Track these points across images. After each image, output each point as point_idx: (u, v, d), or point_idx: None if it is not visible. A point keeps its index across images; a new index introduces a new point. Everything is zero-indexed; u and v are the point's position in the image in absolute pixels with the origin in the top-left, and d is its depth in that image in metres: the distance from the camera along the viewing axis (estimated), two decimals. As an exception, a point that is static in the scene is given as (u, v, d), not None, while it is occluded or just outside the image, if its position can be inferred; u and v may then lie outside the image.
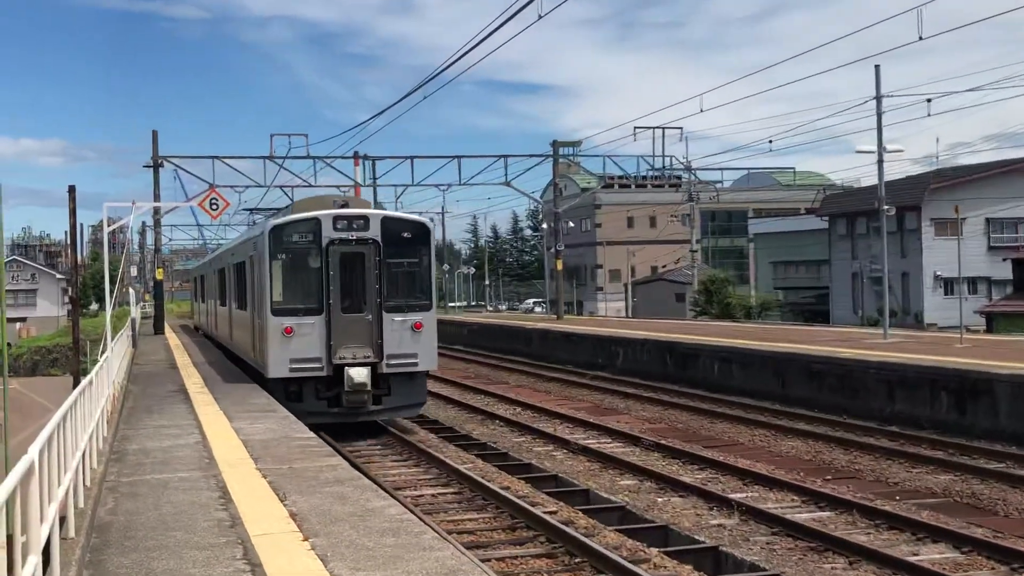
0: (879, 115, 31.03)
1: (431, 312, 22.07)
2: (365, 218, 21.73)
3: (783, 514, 13.88)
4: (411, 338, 21.57)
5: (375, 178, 57.80)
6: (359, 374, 20.94)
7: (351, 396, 21.06)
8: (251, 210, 42.58)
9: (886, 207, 31.35)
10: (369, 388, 21.09)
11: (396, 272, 21.92)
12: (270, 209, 35.58)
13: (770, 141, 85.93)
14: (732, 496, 14.97)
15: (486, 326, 52.04)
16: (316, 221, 21.47)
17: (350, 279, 21.49)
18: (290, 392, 21.18)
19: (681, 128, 49.16)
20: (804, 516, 14.04)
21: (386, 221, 22.00)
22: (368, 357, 21.25)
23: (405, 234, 21.93)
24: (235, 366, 27.08)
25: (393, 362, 21.42)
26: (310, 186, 47.75)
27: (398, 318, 21.49)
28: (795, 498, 15.23)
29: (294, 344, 21.12)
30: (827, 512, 14.36)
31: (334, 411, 21.30)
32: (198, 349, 35.23)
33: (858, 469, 17.56)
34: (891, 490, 15.87)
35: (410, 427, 22.83)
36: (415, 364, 21.67)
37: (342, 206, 22.24)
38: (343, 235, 21.45)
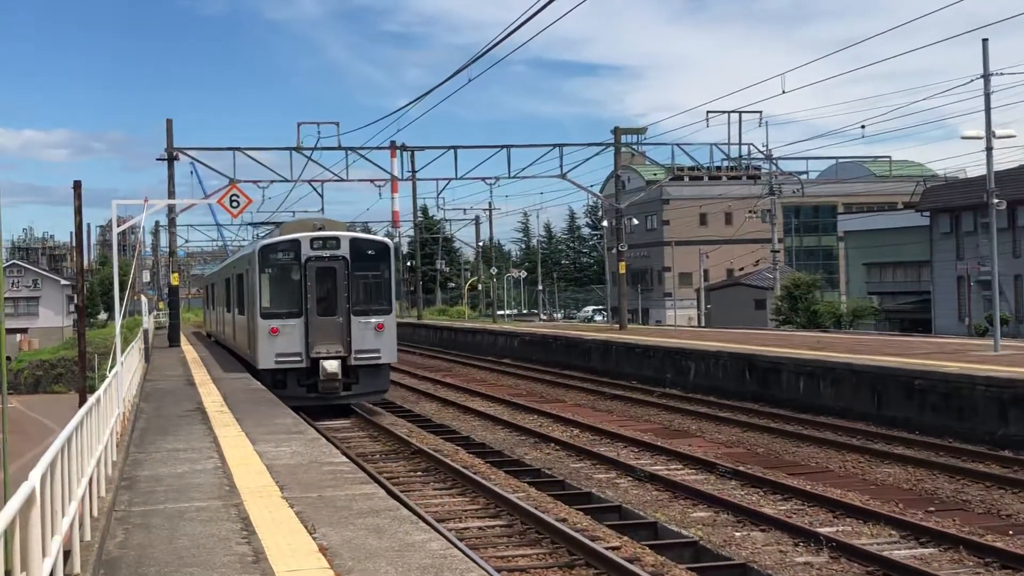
0: (987, 96, 30.66)
1: (391, 315, 29.63)
2: (337, 239, 29.10)
3: (880, 551, 13.76)
4: (374, 336, 28.95)
5: (414, 171, 58.18)
6: (332, 366, 28.47)
7: (325, 384, 28.52)
8: (255, 224, 52.65)
9: (996, 200, 30.92)
10: (340, 377, 28.59)
11: (362, 283, 29.28)
12: (272, 223, 43.35)
13: (862, 127, 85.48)
14: (821, 530, 14.87)
15: (539, 337, 52.05)
16: (296, 241, 28.95)
17: (324, 289, 28.91)
18: (276, 380, 28.19)
19: (760, 112, 48.39)
20: (903, 553, 13.90)
21: (354, 241, 29.50)
22: (339, 352, 28.72)
23: (370, 252, 29.37)
24: (259, 384, 27.51)
25: (360, 356, 28.87)
26: (341, 180, 48.05)
27: (363, 320, 28.91)
28: (893, 532, 15.09)
29: (279, 341, 28.52)
30: (930, 548, 14.22)
31: (312, 396, 28.59)
32: (217, 363, 35.58)
33: (965, 500, 17.36)
34: (1003, 523, 15.68)
35: (452, 450, 22.90)
36: (378, 358, 29.14)
37: (319, 229, 29.58)
38: (319, 253, 28.80)
